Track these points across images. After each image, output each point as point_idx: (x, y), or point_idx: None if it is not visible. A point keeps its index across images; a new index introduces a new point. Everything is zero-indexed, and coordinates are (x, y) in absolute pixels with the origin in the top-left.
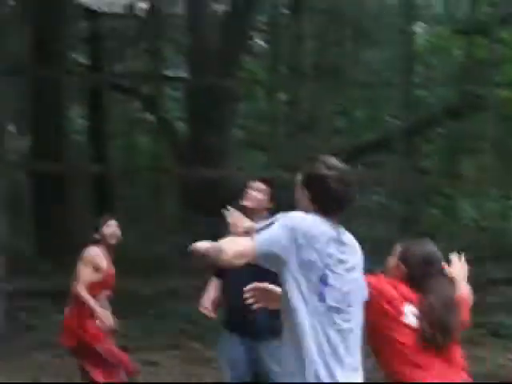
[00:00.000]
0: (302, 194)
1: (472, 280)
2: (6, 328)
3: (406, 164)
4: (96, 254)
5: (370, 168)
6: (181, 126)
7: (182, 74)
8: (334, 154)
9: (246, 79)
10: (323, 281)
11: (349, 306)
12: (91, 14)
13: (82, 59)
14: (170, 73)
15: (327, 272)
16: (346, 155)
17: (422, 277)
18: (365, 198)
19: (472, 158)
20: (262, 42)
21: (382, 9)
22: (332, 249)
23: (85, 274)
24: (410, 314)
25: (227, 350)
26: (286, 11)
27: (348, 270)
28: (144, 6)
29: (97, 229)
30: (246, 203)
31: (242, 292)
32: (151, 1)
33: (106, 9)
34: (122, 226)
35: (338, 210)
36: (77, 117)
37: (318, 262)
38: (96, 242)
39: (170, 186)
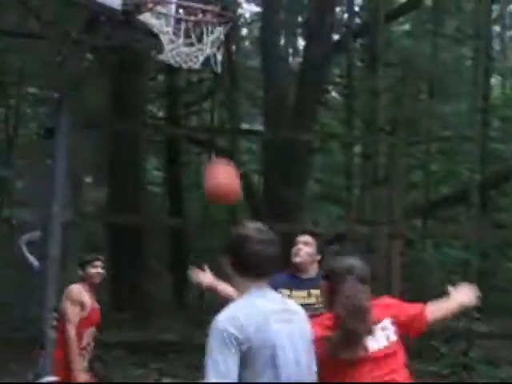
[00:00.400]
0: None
1: None
2: None
3: (483, 217)
4: (79, 291)
5: (446, 222)
6: (256, 179)
7: (258, 127)
8: (410, 208)
9: (322, 132)
10: None
11: None
12: (168, 67)
13: (160, 112)
14: (245, 126)
15: None
16: (422, 209)
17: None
18: (441, 251)
19: None
20: (337, 96)
21: (457, 61)
22: None
23: (73, 314)
24: None
25: None
26: (361, 65)
27: None
28: (220, 58)
29: (82, 266)
30: (295, 260)
31: None
32: (228, 54)
33: (184, 65)
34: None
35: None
36: (153, 169)
37: None
38: (80, 280)
39: None
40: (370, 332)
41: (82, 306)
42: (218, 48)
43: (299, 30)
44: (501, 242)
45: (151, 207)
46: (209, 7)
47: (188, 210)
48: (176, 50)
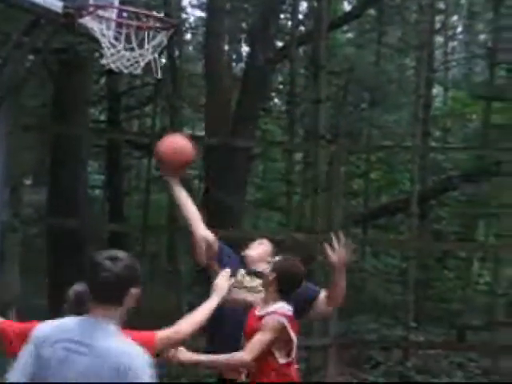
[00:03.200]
0: None
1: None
2: None
3: (422, 227)
4: None
5: (386, 231)
6: (196, 184)
7: (200, 132)
8: (350, 216)
9: (263, 139)
10: None
11: None
12: (111, 71)
13: (101, 116)
14: (187, 131)
15: None
16: (362, 217)
17: None
18: (381, 261)
19: (488, 222)
20: (279, 103)
21: (399, 71)
22: None
23: None
24: None
25: None
26: (304, 72)
27: None
28: (162, 63)
29: None
30: (247, 252)
31: None
32: (170, 59)
33: (124, 70)
34: None
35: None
36: (94, 172)
37: None
38: None
39: (185, 245)
40: None
41: None
42: (160, 53)
43: (243, 36)
44: (440, 251)
45: (91, 211)
46: (152, 13)
47: (128, 214)
48: (117, 55)
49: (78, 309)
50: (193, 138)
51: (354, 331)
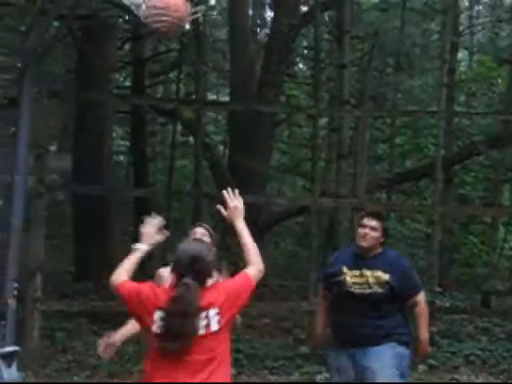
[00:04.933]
0: None
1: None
2: (43, 348)
3: (447, 192)
4: None
5: (410, 196)
6: (222, 150)
7: (224, 98)
8: (374, 181)
9: (288, 105)
10: None
11: None
12: (135, 36)
13: (126, 82)
14: (212, 97)
15: None
16: (386, 182)
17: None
18: (406, 226)
19: None
20: (304, 68)
21: (424, 36)
22: None
23: None
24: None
25: (334, 358)
26: (328, 37)
27: None
28: (188, 29)
29: None
30: (363, 244)
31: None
32: (195, 24)
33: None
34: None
35: None
36: (119, 138)
37: None
38: None
39: (211, 211)
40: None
41: None
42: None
43: (267, 1)
44: (464, 216)
45: (116, 177)
46: None
47: (152, 180)
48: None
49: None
50: (218, 104)
51: None
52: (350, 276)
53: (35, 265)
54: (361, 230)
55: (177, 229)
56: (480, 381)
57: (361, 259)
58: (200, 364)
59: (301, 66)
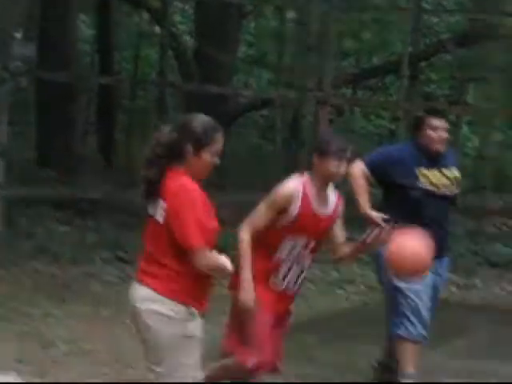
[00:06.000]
0: None
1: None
2: (6, 235)
3: (412, 89)
4: None
5: (376, 92)
6: (189, 41)
7: None
8: (341, 76)
9: None
10: None
11: None
12: None
13: None
14: None
15: None
16: (352, 78)
17: None
18: (371, 122)
19: (479, 86)
20: None
21: None
22: None
23: None
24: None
25: None
26: None
27: None
28: None
29: None
30: (437, 148)
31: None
32: None
33: None
34: (121, 137)
35: None
36: (85, 26)
37: None
38: None
39: (175, 101)
40: None
41: None
42: None
43: None
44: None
45: (81, 65)
46: None
47: (118, 69)
48: None
49: None
50: None
51: None
52: (431, 176)
53: None
54: (434, 133)
55: (140, 117)
56: None
57: (435, 160)
58: None
59: None
